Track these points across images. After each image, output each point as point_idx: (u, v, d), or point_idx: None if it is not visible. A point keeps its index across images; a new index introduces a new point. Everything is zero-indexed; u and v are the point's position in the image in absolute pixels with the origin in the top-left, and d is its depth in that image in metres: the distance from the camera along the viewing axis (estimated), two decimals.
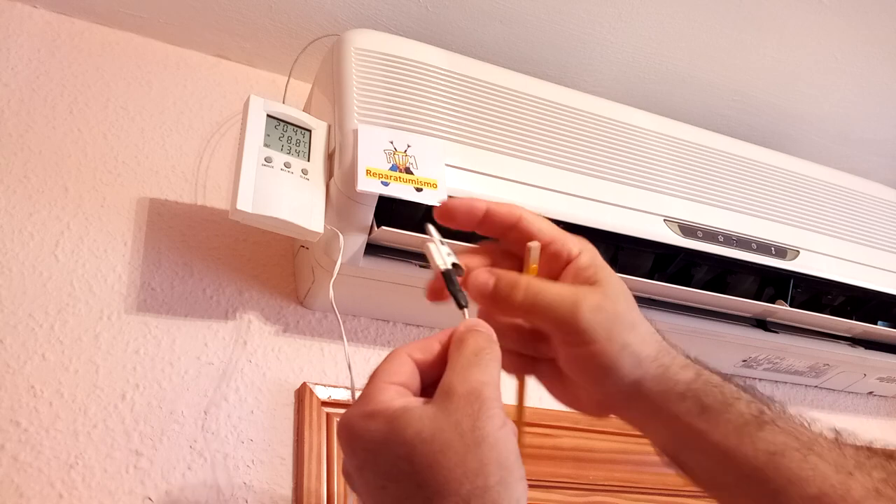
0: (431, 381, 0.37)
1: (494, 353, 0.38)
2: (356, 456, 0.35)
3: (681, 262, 0.83)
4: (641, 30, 0.96)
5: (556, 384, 0.46)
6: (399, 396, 0.36)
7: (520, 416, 0.45)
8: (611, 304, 0.42)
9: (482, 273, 0.43)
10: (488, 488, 0.32)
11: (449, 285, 0.42)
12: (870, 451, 0.41)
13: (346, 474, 0.37)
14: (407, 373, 0.38)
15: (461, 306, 0.41)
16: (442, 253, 0.43)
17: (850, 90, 1.08)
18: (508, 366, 0.45)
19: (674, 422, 0.42)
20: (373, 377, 0.37)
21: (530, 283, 0.42)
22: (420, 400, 0.36)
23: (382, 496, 0.34)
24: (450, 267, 0.43)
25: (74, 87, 0.83)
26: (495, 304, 0.43)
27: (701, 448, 0.41)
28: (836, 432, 0.41)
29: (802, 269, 0.87)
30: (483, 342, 0.38)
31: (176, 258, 0.77)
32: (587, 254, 0.44)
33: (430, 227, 0.46)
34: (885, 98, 1.10)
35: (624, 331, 0.42)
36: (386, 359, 0.38)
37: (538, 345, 0.46)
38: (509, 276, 0.43)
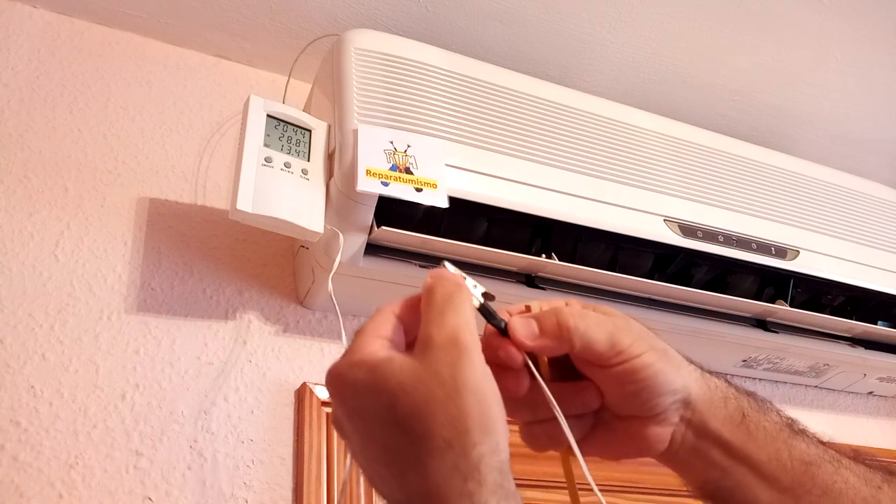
0: (415, 336, 0.38)
1: (464, 295, 0.39)
2: (345, 403, 0.37)
3: (681, 262, 0.83)
4: (641, 30, 0.96)
5: (606, 433, 0.44)
6: (383, 349, 0.37)
7: (574, 496, 0.43)
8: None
9: (519, 319, 0.41)
10: (468, 431, 0.33)
11: (489, 319, 0.40)
12: (889, 468, 0.41)
13: (336, 422, 0.38)
14: (391, 328, 0.39)
15: (504, 334, 0.40)
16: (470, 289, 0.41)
17: (850, 90, 1.08)
18: (549, 441, 0.43)
19: (720, 439, 0.42)
20: (360, 332, 0.38)
21: (570, 310, 0.41)
22: (403, 353, 0.37)
23: (370, 441, 0.35)
24: (481, 300, 0.41)
25: (74, 87, 0.83)
26: (544, 344, 0.41)
27: (744, 462, 0.41)
28: (854, 450, 0.43)
29: (802, 269, 0.87)
30: (451, 287, 0.39)
31: (176, 258, 0.77)
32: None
33: (447, 265, 0.43)
34: (885, 98, 1.10)
35: (658, 340, 0.43)
36: (372, 316, 0.40)
37: (577, 397, 0.44)
38: (546, 311, 0.42)
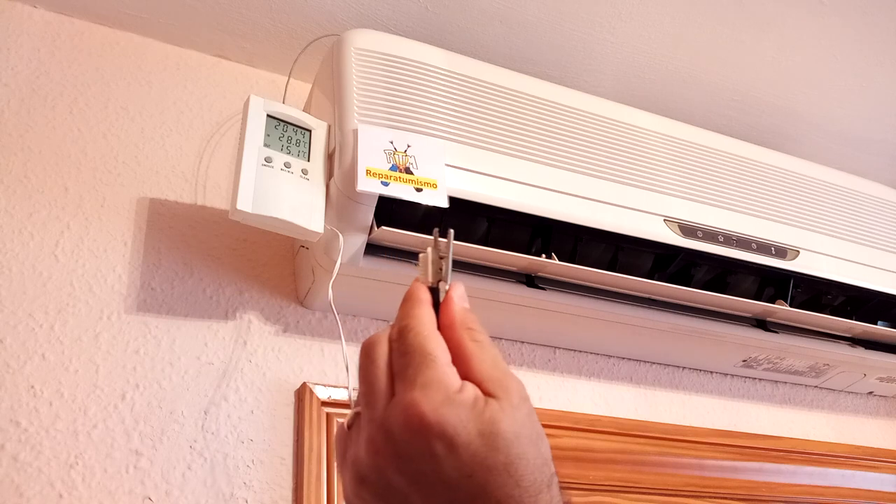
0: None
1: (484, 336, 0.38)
2: (445, 449, 0.33)
3: (681, 262, 0.83)
4: (641, 30, 0.96)
5: None
6: (460, 381, 0.35)
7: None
8: None
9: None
10: (553, 475, 0.36)
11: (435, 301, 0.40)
12: None
13: (387, 480, 0.35)
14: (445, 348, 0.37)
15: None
16: (435, 269, 0.41)
17: (850, 90, 1.08)
18: None
19: None
20: (432, 358, 0.35)
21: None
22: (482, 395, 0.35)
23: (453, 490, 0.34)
24: (435, 286, 0.40)
25: (74, 87, 0.83)
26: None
27: None
28: None
29: (802, 269, 0.87)
30: (472, 319, 0.39)
31: (176, 258, 0.77)
32: None
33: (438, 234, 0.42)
34: (885, 98, 1.10)
35: None
36: (426, 334, 0.36)
37: None
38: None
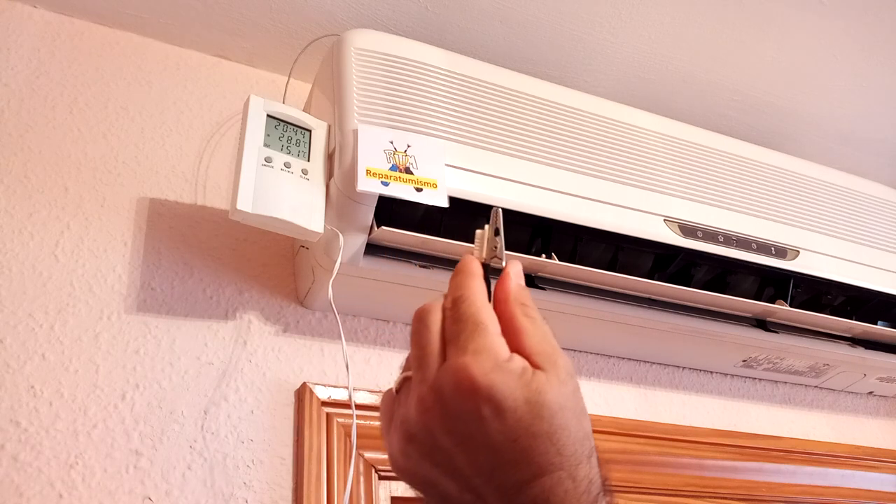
0: None
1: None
2: (495, 412, 0.35)
3: (681, 262, 0.83)
4: (641, 30, 0.96)
5: None
6: (510, 351, 0.37)
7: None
8: None
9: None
10: (593, 449, 0.37)
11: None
12: None
13: (434, 440, 0.36)
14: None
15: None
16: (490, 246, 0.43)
17: (850, 90, 1.08)
18: None
19: None
20: (484, 327, 0.37)
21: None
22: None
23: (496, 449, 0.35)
24: (488, 262, 0.43)
25: (74, 87, 0.83)
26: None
27: None
28: None
29: (802, 269, 0.87)
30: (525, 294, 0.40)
31: (176, 258, 0.77)
32: None
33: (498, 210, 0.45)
34: (885, 98, 1.10)
35: None
36: (479, 305, 0.38)
37: None
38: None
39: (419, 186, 0.67)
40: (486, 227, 0.43)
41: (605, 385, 0.92)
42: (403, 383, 0.39)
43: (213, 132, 0.88)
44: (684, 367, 1.00)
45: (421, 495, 0.39)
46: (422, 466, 0.37)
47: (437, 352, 0.37)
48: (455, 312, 0.38)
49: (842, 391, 1.12)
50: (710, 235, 0.82)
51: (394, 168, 0.67)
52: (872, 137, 1.18)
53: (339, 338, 0.77)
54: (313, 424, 0.70)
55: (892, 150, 1.21)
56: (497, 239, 0.43)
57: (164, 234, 0.78)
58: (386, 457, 0.68)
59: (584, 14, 0.94)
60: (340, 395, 0.73)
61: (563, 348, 0.38)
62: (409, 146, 0.69)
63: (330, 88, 0.75)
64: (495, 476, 0.35)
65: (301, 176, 0.68)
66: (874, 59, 1.03)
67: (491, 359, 0.35)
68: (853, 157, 1.21)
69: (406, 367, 0.40)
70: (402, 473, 0.39)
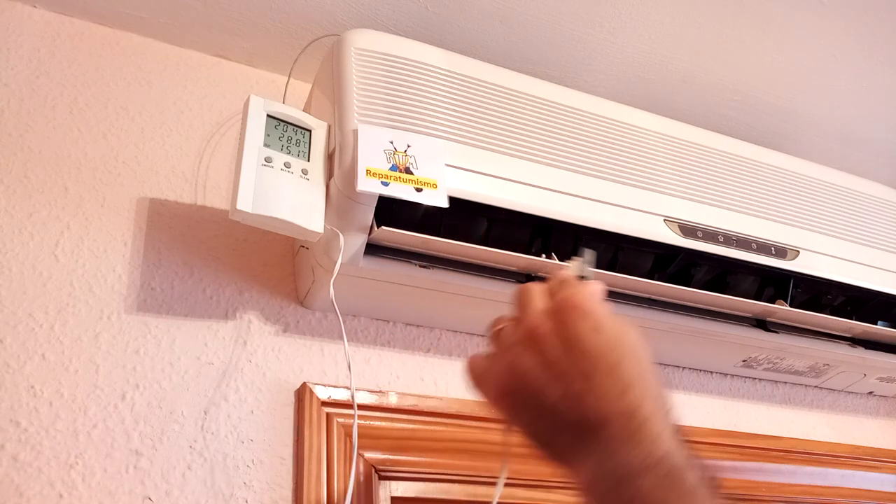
0: None
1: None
2: (598, 331, 0.44)
3: (681, 262, 0.83)
4: (641, 30, 0.96)
5: None
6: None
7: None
8: None
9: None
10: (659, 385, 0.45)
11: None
12: None
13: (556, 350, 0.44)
14: None
15: None
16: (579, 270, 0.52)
17: (850, 90, 1.08)
18: None
19: None
20: (583, 284, 0.47)
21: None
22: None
23: (614, 366, 0.43)
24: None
25: (74, 87, 0.83)
26: None
27: None
28: None
29: (802, 269, 0.87)
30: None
31: (176, 258, 0.77)
32: None
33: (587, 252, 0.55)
34: (885, 98, 1.10)
35: None
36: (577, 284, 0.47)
37: None
38: None
39: (419, 186, 0.67)
40: (576, 262, 0.53)
41: None
42: (496, 335, 0.47)
43: (213, 132, 0.88)
44: (684, 367, 1.00)
45: (512, 419, 0.45)
46: (529, 377, 0.43)
47: (545, 297, 0.46)
48: (557, 279, 0.48)
49: (842, 391, 1.12)
50: (710, 235, 0.82)
51: (394, 168, 0.67)
52: (872, 137, 1.18)
53: (339, 338, 0.77)
54: (313, 424, 0.70)
55: (892, 150, 1.21)
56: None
57: (163, 234, 0.78)
58: (386, 457, 0.68)
59: (584, 14, 0.94)
60: (340, 395, 0.73)
61: None
62: (409, 146, 0.69)
63: (330, 88, 0.75)
64: (594, 382, 0.42)
65: (301, 176, 0.68)
66: (874, 59, 1.03)
67: (592, 297, 0.45)
68: (853, 157, 1.21)
69: (496, 324, 0.48)
70: (505, 396, 0.45)
